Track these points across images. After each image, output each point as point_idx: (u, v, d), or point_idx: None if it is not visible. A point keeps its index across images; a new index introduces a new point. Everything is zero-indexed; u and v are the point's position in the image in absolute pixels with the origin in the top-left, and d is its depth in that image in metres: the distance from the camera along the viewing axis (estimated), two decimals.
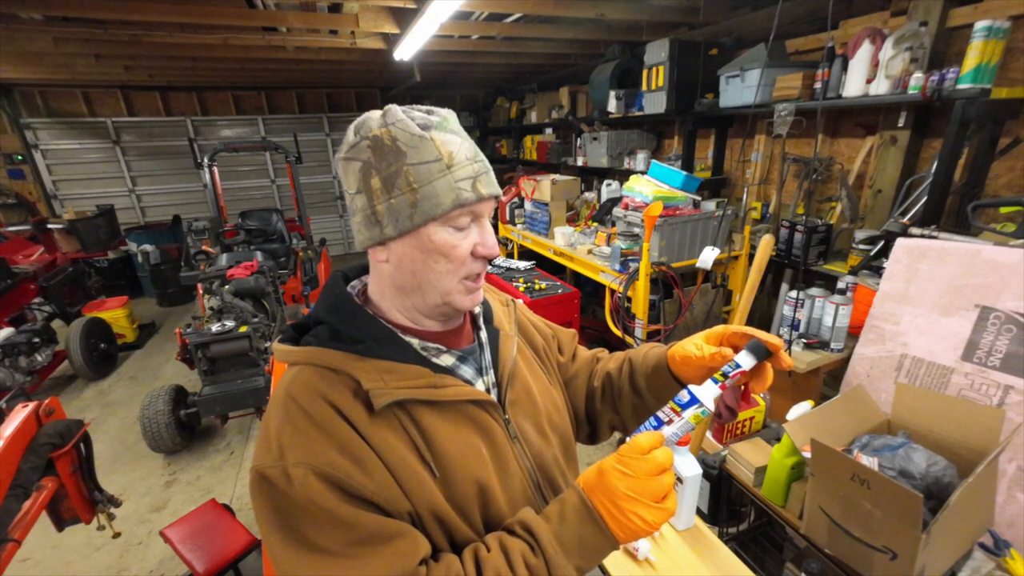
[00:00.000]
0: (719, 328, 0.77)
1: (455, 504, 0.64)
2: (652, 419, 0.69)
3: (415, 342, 0.69)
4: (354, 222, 0.66)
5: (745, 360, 0.69)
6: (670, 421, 0.67)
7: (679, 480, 1.24)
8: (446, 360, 0.70)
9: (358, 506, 0.58)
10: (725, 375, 0.69)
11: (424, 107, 0.66)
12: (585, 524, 0.61)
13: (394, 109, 0.63)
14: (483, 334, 0.78)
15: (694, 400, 0.67)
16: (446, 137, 0.63)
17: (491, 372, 0.76)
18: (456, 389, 0.68)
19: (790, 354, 2.02)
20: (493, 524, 0.68)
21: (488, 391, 0.74)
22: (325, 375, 0.63)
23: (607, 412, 0.91)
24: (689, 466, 1.22)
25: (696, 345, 0.76)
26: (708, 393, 0.68)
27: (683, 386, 0.72)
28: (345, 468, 0.58)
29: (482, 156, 0.67)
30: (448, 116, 0.66)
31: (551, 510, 0.65)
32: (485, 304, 0.82)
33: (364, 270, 0.77)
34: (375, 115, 0.64)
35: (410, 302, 0.69)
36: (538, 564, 0.59)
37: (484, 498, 0.67)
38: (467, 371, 0.72)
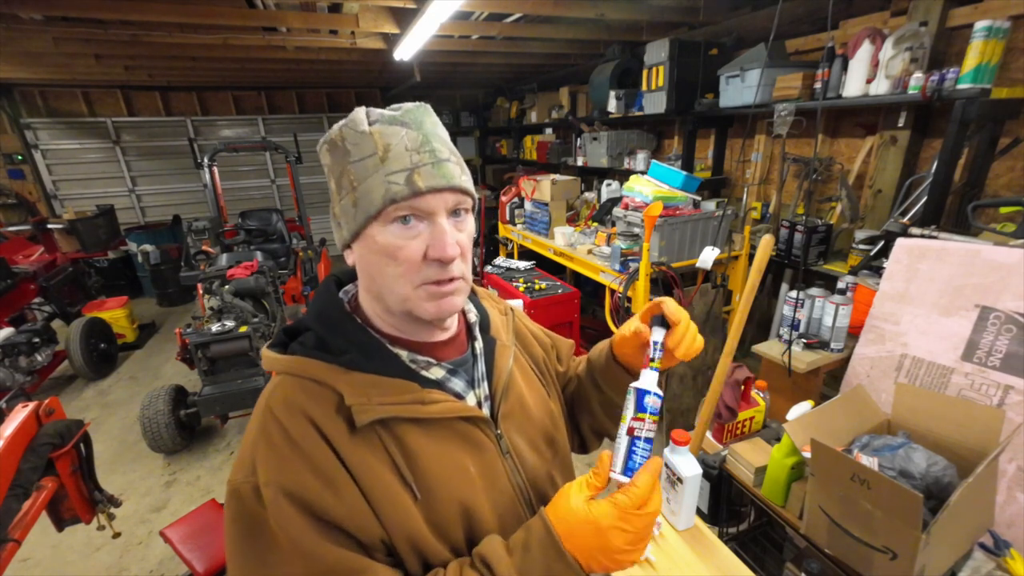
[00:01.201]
0: (648, 304, 0.74)
1: (437, 526, 0.62)
2: (627, 438, 0.63)
3: (403, 354, 0.66)
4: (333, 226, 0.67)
5: (658, 334, 0.71)
6: (636, 432, 0.63)
7: (679, 480, 1.24)
8: (436, 373, 0.67)
9: (324, 534, 0.55)
10: (652, 358, 0.70)
11: (407, 104, 0.63)
12: (549, 554, 0.56)
13: (358, 109, 0.61)
14: (478, 344, 0.75)
15: (642, 394, 0.64)
16: (389, 129, 0.58)
17: (484, 384, 0.73)
18: (443, 405, 0.65)
19: (790, 354, 2.02)
20: (477, 542, 0.64)
21: (480, 404, 0.71)
22: (307, 387, 0.61)
23: (584, 416, 0.91)
24: (689, 466, 1.22)
25: (626, 325, 0.78)
26: (649, 381, 0.66)
27: (630, 375, 0.78)
28: (315, 490, 0.56)
29: (435, 146, 0.60)
30: (412, 108, 0.61)
31: (516, 539, 0.60)
32: (483, 312, 0.79)
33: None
34: (342, 121, 0.62)
35: (381, 307, 0.66)
36: None
37: (469, 520, 0.64)
38: (458, 384, 0.69)
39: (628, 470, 0.61)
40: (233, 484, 0.58)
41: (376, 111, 0.61)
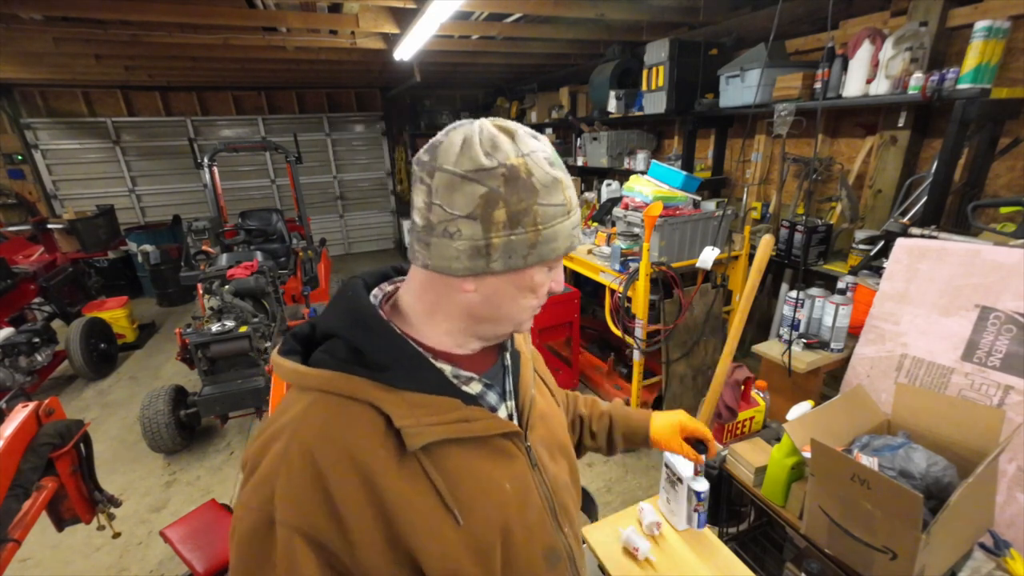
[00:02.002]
0: (690, 426, 1.02)
1: (477, 552, 0.61)
2: (695, 514, 1.19)
3: (447, 368, 0.64)
4: (447, 245, 0.57)
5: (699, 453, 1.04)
6: (700, 509, 1.16)
7: (679, 480, 1.24)
8: (474, 388, 0.66)
9: None
10: (700, 471, 1.20)
11: (527, 129, 0.60)
12: None
13: (521, 134, 0.58)
14: (508, 356, 0.75)
15: (700, 494, 1.17)
16: (567, 179, 0.60)
17: (512, 397, 0.73)
18: (485, 423, 0.64)
19: (790, 354, 2.02)
20: (512, 564, 0.65)
21: (511, 416, 0.71)
22: (346, 409, 0.58)
23: (579, 446, 1.05)
24: (688, 466, 1.22)
25: (679, 444, 1.01)
26: (704, 484, 1.17)
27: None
28: (332, 538, 0.55)
29: None
30: (551, 146, 0.62)
31: None
32: None
33: (383, 277, 0.72)
34: (501, 136, 0.57)
35: (473, 330, 0.65)
36: None
37: (506, 541, 0.64)
38: (492, 397, 0.69)
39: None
40: (246, 507, 0.56)
41: (533, 142, 0.59)
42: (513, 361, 0.75)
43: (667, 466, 1.27)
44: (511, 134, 0.58)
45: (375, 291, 0.70)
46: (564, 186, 0.59)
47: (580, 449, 1.04)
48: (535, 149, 0.58)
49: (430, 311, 0.64)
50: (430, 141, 0.60)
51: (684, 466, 1.22)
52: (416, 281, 0.65)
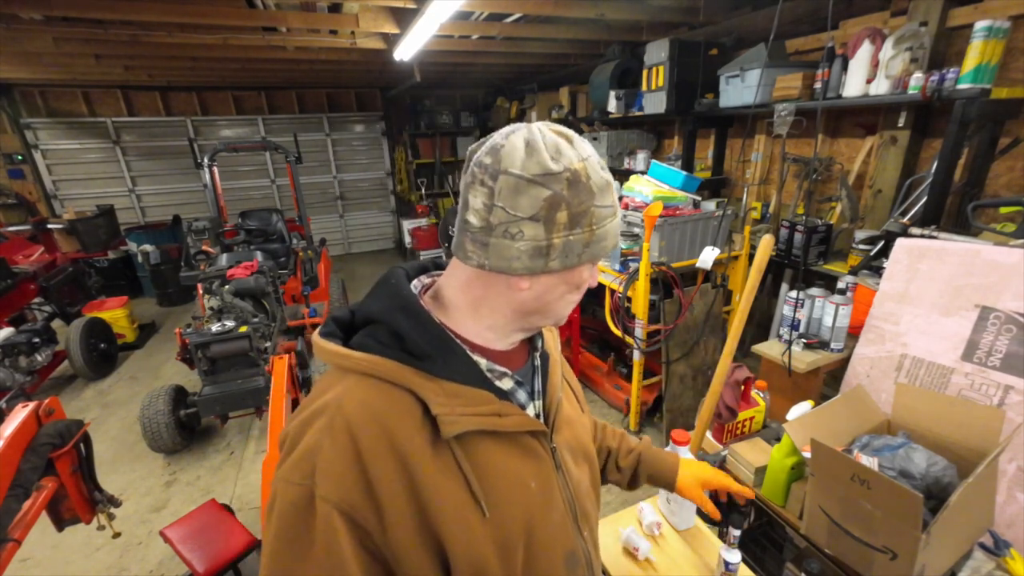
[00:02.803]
0: (714, 481, 1.07)
1: (501, 547, 0.62)
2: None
3: (483, 362, 0.66)
4: (507, 246, 0.58)
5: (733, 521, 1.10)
6: None
7: None
8: (507, 384, 0.68)
9: (362, 562, 0.56)
10: (733, 542, 1.11)
11: (562, 128, 0.62)
12: None
13: (578, 139, 0.61)
14: (538, 356, 0.76)
15: (731, 564, 1.11)
16: (614, 182, 0.65)
17: (541, 398, 0.74)
18: (517, 419, 0.65)
19: (790, 354, 2.02)
20: (532, 567, 0.66)
21: (538, 416, 0.73)
22: (387, 393, 0.59)
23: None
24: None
25: (702, 499, 1.05)
26: (736, 556, 1.11)
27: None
28: (363, 513, 0.56)
29: None
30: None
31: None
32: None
33: (422, 270, 0.74)
34: (562, 141, 0.59)
35: (519, 324, 0.67)
36: None
37: (529, 537, 0.65)
38: (522, 395, 0.70)
39: None
40: (287, 481, 0.57)
41: (580, 142, 0.61)
42: (543, 362, 0.76)
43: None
44: (570, 139, 0.60)
45: (414, 282, 0.71)
46: (613, 188, 0.64)
47: (603, 478, 1.04)
48: (591, 154, 0.61)
49: (475, 305, 0.65)
50: (488, 144, 0.60)
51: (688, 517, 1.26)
52: (461, 276, 0.66)
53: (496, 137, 0.60)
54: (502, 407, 0.64)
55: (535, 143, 0.57)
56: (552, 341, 0.82)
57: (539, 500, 0.67)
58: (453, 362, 0.62)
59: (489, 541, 0.61)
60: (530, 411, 0.71)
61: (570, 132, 0.61)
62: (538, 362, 0.75)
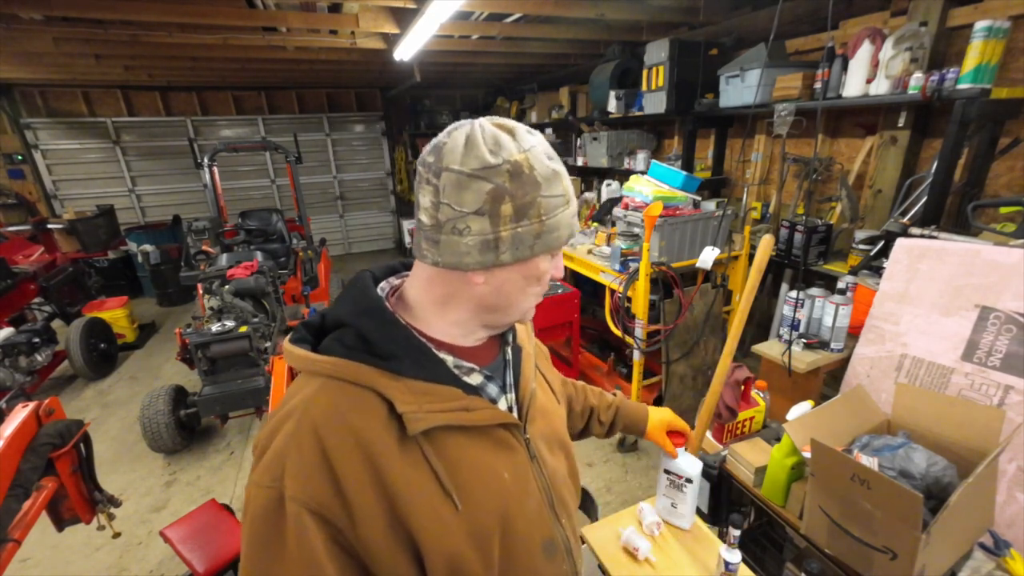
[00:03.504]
0: (671, 419, 1.19)
1: (475, 538, 0.63)
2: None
3: (449, 359, 0.66)
4: (456, 242, 0.59)
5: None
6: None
7: (688, 480, 1.22)
8: (475, 379, 0.69)
9: (336, 560, 0.57)
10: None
11: (522, 125, 0.63)
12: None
13: (521, 131, 0.61)
14: (509, 350, 0.77)
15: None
16: (564, 171, 0.64)
17: (513, 391, 0.75)
18: (486, 412, 0.66)
19: (790, 354, 2.02)
20: (510, 556, 0.67)
21: (510, 409, 0.73)
22: (352, 394, 0.60)
23: (576, 430, 1.13)
24: (691, 465, 1.22)
25: (663, 440, 1.18)
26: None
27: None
28: (340, 515, 0.56)
29: None
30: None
31: None
32: None
33: (391, 271, 0.75)
34: (502, 134, 0.59)
35: (482, 320, 0.68)
36: None
37: (504, 528, 0.66)
38: (492, 389, 0.71)
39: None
40: (258, 485, 0.58)
41: (532, 137, 0.61)
42: (514, 355, 0.77)
43: (667, 472, 1.24)
44: (511, 132, 0.60)
45: (383, 284, 0.72)
46: (562, 177, 0.63)
47: (585, 433, 1.15)
48: (534, 144, 0.60)
49: (439, 303, 0.66)
50: (432, 142, 0.62)
51: (690, 465, 1.22)
52: (423, 276, 0.67)
53: (440, 135, 0.61)
54: (470, 402, 0.65)
55: (474, 138, 0.58)
56: (524, 333, 0.83)
57: (514, 490, 0.68)
58: (419, 360, 0.63)
59: (463, 534, 0.61)
60: (502, 404, 0.72)
61: (513, 124, 0.61)
62: (509, 356, 0.76)
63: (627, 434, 1.19)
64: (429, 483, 0.60)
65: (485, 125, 0.60)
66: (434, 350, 0.66)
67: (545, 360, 0.92)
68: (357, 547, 0.57)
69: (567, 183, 0.63)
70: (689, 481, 1.21)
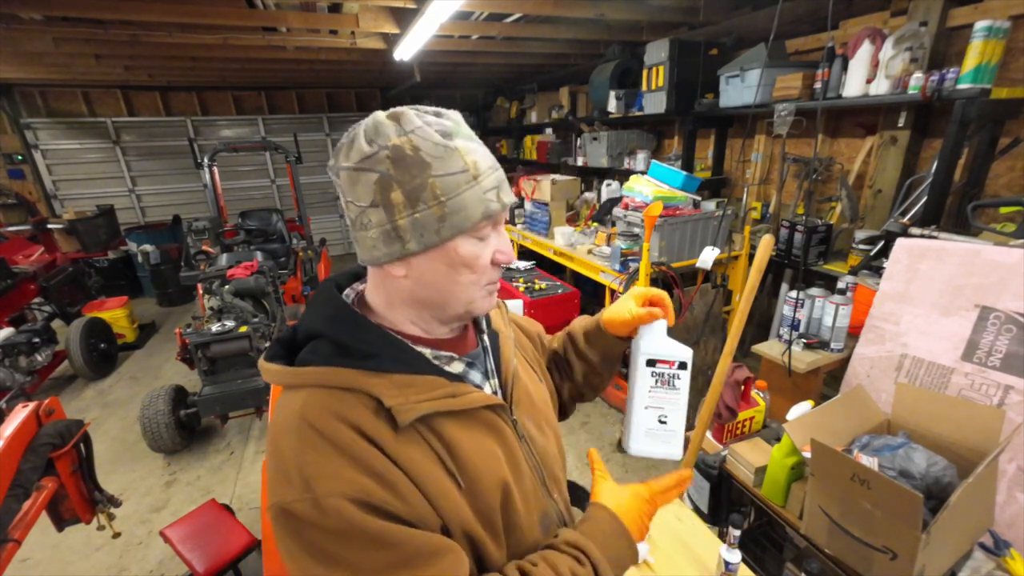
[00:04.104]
0: (642, 290, 0.85)
1: (481, 515, 0.64)
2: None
3: (427, 351, 0.67)
4: (365, 237, 0.61)
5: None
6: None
7: (682, 366, 0.81)
8: (456, 367, 0.69)
9: (399, 526, 0.56)
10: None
11: (431, 108, 0.62)
12: (620, 539, 0.70)
13: (409, 114, 0.59)
14: (486, 337, 0.78)
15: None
16: (469, 145, 0.60)
17: (495, 375, 0.76)
18: (472, 396, 0.67)
19: (790, 354, 2.02)
20: (512, 528, 0.68)
21: (495, 393, 0.74)
22: (339, 396, 0.60)
23: (564, 383, 0.98)
24: (679, 347, 0.82)
25: (628, 310, 0.83)
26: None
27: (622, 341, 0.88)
28: (379, 493, 0.56)
29: (497, 163, 0.65)
30: (459, 119, 0.63)
31: (589, 530, 0.69)
32: None
33: (355, 277, 0.75)
34: (386, 121, 0.59)
35: (428, 314, 0.67)
36: (586, 573, 0.63)
37: (506, 499, 0.67)
38: (476, 376, 0.72)
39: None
40: (283, 505, 0.56)
41: (428, 117, 0.60)
42: (492, 341, 0.78)
43: (650, 361, 0.82)
44: (397, 117, 0.59)
45: (347, 291, 0.73)
46: (462, 152, 0.59)
47: (578, 390, 0.97)
48: (420, 125, 0.58)
49: (387, 303, 0.68)
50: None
51: (677, 346, 0.82)
52: (369, 279, 0.69)
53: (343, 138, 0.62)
54: (455, 388, 0.65)
55: (356, 132, 0.59)
56: (500, 318, 0.83)
57: (509, 468, 0.69)
58: (398, 356, 0.64)
59: (471, 511, 0.63)
60: (487, 389, 0.72)
61: (403, 110, 0.60)
62: (487, 343, 0.77)
63: (597, 346, 0.90)
64: (434, 465, 0.61)
65: (374, 116, 0.60)
66: (411, 344, 0.66)
67: (523, 338, 0.91)
68: (414, 519, 0.57)
69: (474, 157, 0.60)
70: (683, 367, 0.81)
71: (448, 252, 0.61)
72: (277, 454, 0.59)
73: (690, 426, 1.22)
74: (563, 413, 1.01)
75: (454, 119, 0.62)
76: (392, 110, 0.60)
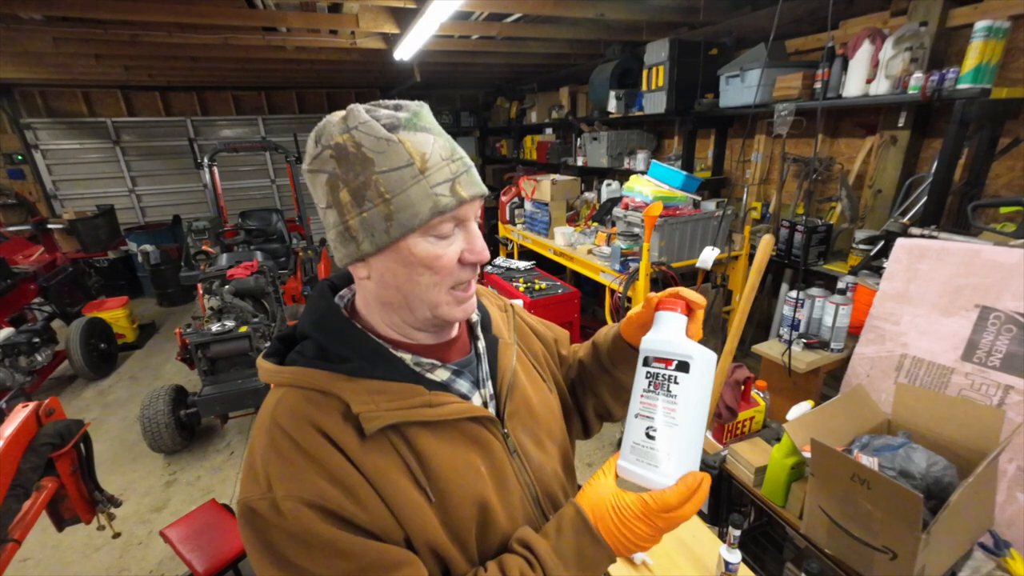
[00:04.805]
0: (655, 294, 0.71)
1: (452, 530, 0.62)
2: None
3: (407, 357, 0.65)
4: (329, 238, 0.61)
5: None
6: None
7: (682, 367, 0.62)
8: (440, 375, 0.67)
9: (356, 536, 0.56)
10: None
11: (391, 102, 0.60)
12: (582, 536, 0.60)
13: (356, 110, 0.57)
14: (481, 344, 0.74)
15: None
16: (417, 137, 0.56)
17: (489, 384, 0.72)
18: (452, 407, 0.64)
19: (790, 354, 2.02)
20: (492, 547, 0.66)
21: (486, 404, 0.71)
22: (312, 398, 0.60)
23: (588, 398, 0.90)
24: (691, 344, 0.65)
25: (647, 310, 0.72)
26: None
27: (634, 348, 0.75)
28: (336, 499, 0.55)
29: (461, 153, 0.61)
30: (419, 110, 0.59)
31: (549, 527, 0.64)
32: (483, 311, 0.78)
33: (351, 279, 0.74)
34: (335, 118, 0.57)
35: (399, 317, 0.65)
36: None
37: (484, 518, 0.64)
38: (463, 385, 0.69)
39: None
40: (248, 502, 0.56)
41: (379, 111, 0.58)
42: (491, 347, 0.75)
43: (647, 361, 0.65)
44: (344, 115, 0.58)
45: (343, 291, 0.73)
46: (408, 145, 0.56)
47: (593, 393, 0.89)
48: (365, 120, 0.56)
49: (365, 306, 0.67)
50: None
51: (689, 343, 0.65)
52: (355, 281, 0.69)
53: None
54: (433, 397, 0.63)
55: (313, 135, 0.59)
56: (502, 323, 0.80)
57: (493, 483, 0.66)
58: (373, 361, 0.63)
59: (439, 524, 0.61)
60: (475, 399, 0.69)
61: (354, 106, 0.58)
62: (482, 349, 0.74)
63: (621, 354, 0.80)
64: (401, 475, 0.59)
65: (328, 117, 0.59)
66: (391, 350, 0.65)
67: (535, 343, 0.86)
68: (372, 528, 0.56)
69: (423, 148, 0.56)
70: (683, 368, 0.62)
71: (402, 252, 0.58)
72: (250, 450, 0.61)
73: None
74: (587, 431, 0.94)
75: (411, 109, 0.59)
76: (347, 108, 0.58)
